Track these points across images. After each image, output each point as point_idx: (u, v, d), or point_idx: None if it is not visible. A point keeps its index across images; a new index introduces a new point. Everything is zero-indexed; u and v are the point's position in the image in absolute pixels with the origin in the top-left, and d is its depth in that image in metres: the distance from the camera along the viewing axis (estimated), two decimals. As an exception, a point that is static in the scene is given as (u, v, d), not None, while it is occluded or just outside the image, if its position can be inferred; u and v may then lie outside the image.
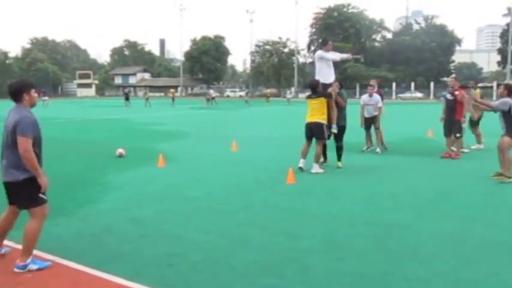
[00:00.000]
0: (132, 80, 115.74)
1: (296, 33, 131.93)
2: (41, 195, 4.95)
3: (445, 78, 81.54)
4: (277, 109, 44.54)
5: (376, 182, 9.59)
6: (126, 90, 55.63)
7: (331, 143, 11.32)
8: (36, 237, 5.00)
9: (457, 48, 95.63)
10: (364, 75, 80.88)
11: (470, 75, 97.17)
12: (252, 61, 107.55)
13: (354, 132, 11.93)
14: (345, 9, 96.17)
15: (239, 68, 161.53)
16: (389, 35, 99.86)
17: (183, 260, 5.25)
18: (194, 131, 20.90)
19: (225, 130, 21.54)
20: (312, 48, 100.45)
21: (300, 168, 10.55)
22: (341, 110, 11.16)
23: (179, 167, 11.49)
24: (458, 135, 12.61)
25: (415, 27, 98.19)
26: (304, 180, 9.63)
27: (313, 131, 10.70)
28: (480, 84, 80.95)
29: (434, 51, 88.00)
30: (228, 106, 49.22)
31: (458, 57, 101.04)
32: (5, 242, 5.84)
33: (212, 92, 58.87)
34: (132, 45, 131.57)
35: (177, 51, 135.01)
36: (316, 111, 10.65)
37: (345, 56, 11.92)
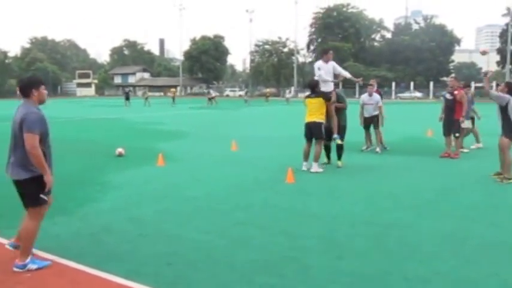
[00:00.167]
0: (131, 80, 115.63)
1: (295, 33, 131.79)
2: (41, 195, 4.93)
3: (445, 78, 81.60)
4: (277, 109, 44.52)
5: (376, 182, 9.59)
6: (127, 89, 55.79)
7: (332, 143, 11.37)
8: (34, 236, 5.00)
9: (457, 48, 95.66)
10: (364, 75, 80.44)
11: (470, 75, 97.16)
12: (252, 61, 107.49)
13: (354, 131, 11.93)
14: (344, 9, 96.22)
15: (239, 67, 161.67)
16: (388, 35, 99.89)
17: (182, 259, 5.24)
18: (194, 131, 20.89)
19: (225, 130, 21.53)
20: (312, 47, 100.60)
21: (303, 171, 10.54)
22: (342, 110, 11.18)
23: (179, 166, 11.49)
24: (457, 134, 12.61)
25: (415, 27, 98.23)
26: (304, 179, 9.63)
27: (312, 131, 10.71)
28: (480, 84, 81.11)
29: (434, 51, 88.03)
30: (227, 106, 49.21)
31: (457, 57, 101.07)
32: (1, 240, 5.86)
33: (212, 92, 58.84)
34: (131, 45, 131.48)
35: (177, 50, 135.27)
36: (314, 111, 10.65)
37: (343, 72, 11.65)
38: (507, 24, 79.22)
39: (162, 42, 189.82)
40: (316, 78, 11.17)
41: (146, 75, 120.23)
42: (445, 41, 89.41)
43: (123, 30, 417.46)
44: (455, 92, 12.62)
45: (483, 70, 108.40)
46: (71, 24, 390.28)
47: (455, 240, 5.88)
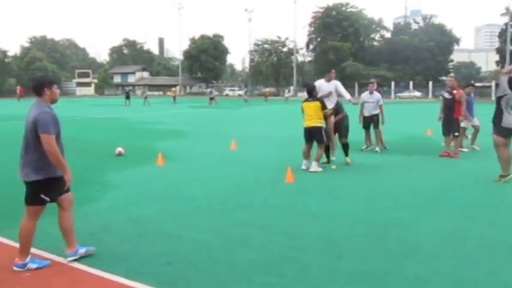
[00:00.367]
0: (131, 79, 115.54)
1: (295, 32, 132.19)
2: (43, 195, 4.93)
3: (444, 78, 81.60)
4: (276, 108, 44.51)
5: (376, 181, 9.60)
6: (127, 89, 55.81)
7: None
8: (31, 235, 5.02)
9: (456, 47, 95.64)
10: (363, 74, 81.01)
11: (469, 74, 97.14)
12: (251, 60, 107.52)
13: (353, 131, 11.94)
14: (343, 9, 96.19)
15: (238, 67, 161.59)
16: (387, 34, 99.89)
17: (182, 258, 5.25)
18: (193, 130, 20.89)
19: (224, 129, 21.54)
20: (311, 47, 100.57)
21: (303, 170, 10.58)
22: (342, 115, 11.30)
23: (178, 166, 11.49)
24: (456, 134, 12.62)
25: (414, 26, 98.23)
26: (303, 179, 9.64)
27: (312, 135, 10.76)
28: (479, 84, 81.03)
29: (433, 51, 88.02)
30: (227, 105, 49.19)
31: (456, 57, 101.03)
32: (3, 240, 5.87)
33: (211, 92, 58.82)
34: (131, 44, 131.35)
35: (176, 50, 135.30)
36: (313, 115, 10.67)
37: (344, 94, 11.45)
38: (506, 24, 79.28)
39: (161, 42, 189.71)
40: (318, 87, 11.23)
41: (146, 74, 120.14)
42: (444, 40, 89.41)
43: (122, 30, 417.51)
44: (454, 92, 12.63)
45: (482, 70, 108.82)
46: (70, 23, 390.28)
47: (455, 240, 5.88)
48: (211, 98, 50.99)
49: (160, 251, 5.47)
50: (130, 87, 67.04)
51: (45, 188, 4.92)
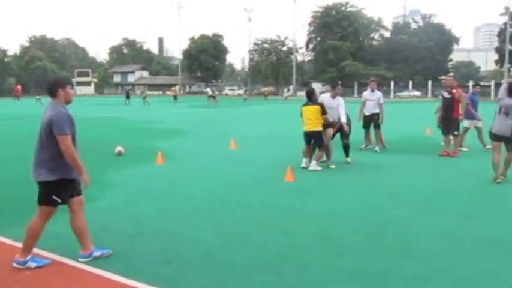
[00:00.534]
0: (130, 78, 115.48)
1: (294, 32, 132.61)
2: (54, 196, 4.93)
3: (443, 77, 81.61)
4: (275, 107, 44.52)
5: (375, 180, 9.62)
6: (127, 88, 55.88)
7: (336, 142, 11.44)
8: (38, 235, 5.02)
9: (455, 47, 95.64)
10: (362, 74, 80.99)
11: (468, 73, 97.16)
12: (251, 59, 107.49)
13: (353, 130, 11.94)
14: (343, 8, 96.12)
15: (237, 66, 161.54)
16: (387, 34, 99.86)
17: (181, 257, 5.26)
18: (193, 129, 20.90)
19: (224, 128, 21.55)
20: (310, 46, 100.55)
21: (303, 168, 10.62)
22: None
23: (178, 165, 11.51)
24: (456, 133, 12.63)
25: (413, 26, 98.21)
26: (303, 178, 9.66)
27: (311, 139, 10.79)
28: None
29: (432, 50, 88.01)
30: (226, 104, 49.18)
31: (455, 56, 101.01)
32: (2, 239, 5.87)
33: (210, 91, 58.77)
34: (130, 44, 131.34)
35: (176, 49, 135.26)
36: (312, 119, 10.70)
37: (341, 116, 11.25)
38: (505, 23, 79.27)
39: (161, 41, 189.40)
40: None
41: (145, 73, 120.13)
42: (444, 40, 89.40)
43: (122, 29, 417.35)
44: (454, 91, 12.66)
45: (482, 69, 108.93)
46: (70, 22, 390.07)
47: (453, 238, 5.90)
48: (213, 97, 51.08)
49: (160, 250, 5.48)
50: (131, 87, 67.07)
51: (57, 189, 4.92)
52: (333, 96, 11.43)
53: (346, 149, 11.53)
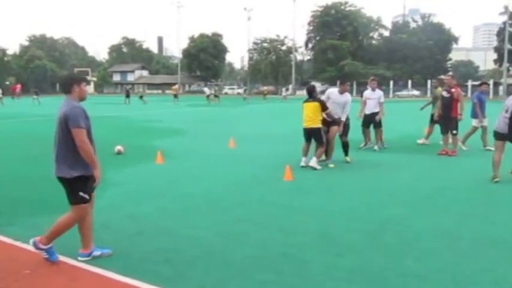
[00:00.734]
0: (130, 78, 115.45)
1: (294, 31, 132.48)
2: (82, 193, 4.92)
3: (442, 76, 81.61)
4: (274, 106, 44.54)
5: (373, 179, 9.64)
6: (127, 87, 56.03)
7: (336, 141, 11.50)
8: (64, 231, 5.03)
9: (454, 46, 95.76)
10: (362, 73, 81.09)
11: (467, 73, 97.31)
12: (250, 58, 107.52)
13: (352, 129, 11.95)
14: (342, 7, 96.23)
15: (237, 65, 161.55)
16: (386, 33, 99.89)
17: (180, 256, 5.27)
18: (192, 128, 20.91)
19: (223, 127, 21.55)
20: (310, 45, 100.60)
21: (302, 167, 10.64)
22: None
23: (177, 164, 11.53)
24: (455, 132, 12.65)
25: (412, 25, 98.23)
26: (302, 177, 9.67)
27: (311, 136, 10.81)
28: (477, 83, 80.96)
29: (431, 49, 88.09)
30: (226, 103, 49.16)
31: (455, 55, 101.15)
32: (2, 238, 5.88)
33: (207, 90, 58.93)
34: (130, 43, 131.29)
35: (175, 48, 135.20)
36: (311, 116, 10.71)
37: (345, 112, 11.36)
38: (504, 23, 79.29)
39: (160, 40, 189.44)
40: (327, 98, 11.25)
41: (145, 73, 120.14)
42: (443, 39, 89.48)
43: (121, 28, 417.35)
44: (453, 90, 12.68)
45: (481, 68, 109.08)
46: (69, 22, 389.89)
47: (451, 237, 5.92)
48: (216, 96, 51.31)
49: (159, 249, 5.49)
50: (130, 86, 67.08)
51: (81, 185, 4.90)
52: (341, 92, 11.41)
53: (345, 147, 11.56)
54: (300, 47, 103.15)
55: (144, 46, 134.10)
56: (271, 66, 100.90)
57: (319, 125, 10.73)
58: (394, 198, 7.97)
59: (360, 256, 5.27)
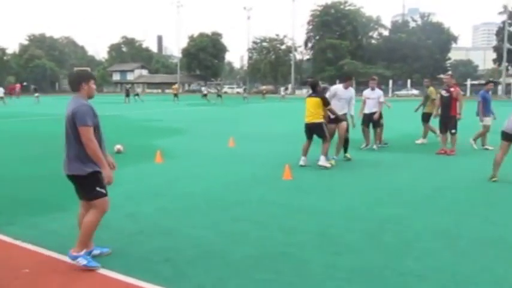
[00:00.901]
0: (130, 77, 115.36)
1: (293, 30, 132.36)
2: (98, 188, 4.89)
3: (441, 76, 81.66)
4: (273, 106, 44.56)
5: (373, 178, 9.64)
6: (127, 86, 56.06)
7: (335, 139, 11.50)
8: (92, 230, 4.97)
9: (453, 45, 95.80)
10: (361, 72, 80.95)
11: (466, 72, 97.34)
12: (249, 58, 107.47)
13: (352, 129, 11.97)
14: (341, 7, 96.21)
15: (236, 64, 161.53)
16: (386, 33, 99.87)
17: (180, 255, 5.28)
18: (192, 127, 20.90)
19: (223, 126, 21.55)
20: (309, 45, 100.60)
21: (301, 166, 10.65)
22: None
23: (176, 163, 11.53)
24: (453, 131, 12.66)
25: (412, 24, 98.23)
26: (301, 176, 9.67)
27: (313, 132, 10.79)
28: (476, 82, 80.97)
29: (431, 49, 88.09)
30: (225, 102, 49.09)
31: (454, 55, 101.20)
32: (2, 237, 5.88)
33: (204, 89, 59.07)
34: (129, 42, 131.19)
35: (175, 48, 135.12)
36: (313, 112, 10.68)
37: (351, 108, 11.69)
38: (503, 22, 79.35)
39: (160, 40, 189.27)
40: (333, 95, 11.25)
41: (144, 72, 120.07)
42: (442, 38, 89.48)
43: (121, 28, 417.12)
44: (452, 89, 12.69)
45: (480, 68, 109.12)
46: (69, 21, 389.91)
47: (450, 236, 5.93)
48: (218, 95, 51.49)
49: (159, 248, 5.50)
50: (130, 85, 67.05)
51: (97, 180, 4.87)
52: (346, 87, 11.41)
53: (345, 144, 11.63)
54: (300, 47, 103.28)
55: (144, 45, 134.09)
56: (270, 66, 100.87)
57: (321, 120, 10.70)
58: (393, 198, 7.98)
59: (360, 255, 5.28)
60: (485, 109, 13.64)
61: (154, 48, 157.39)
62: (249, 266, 4.97)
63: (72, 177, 4.96)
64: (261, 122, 25.52)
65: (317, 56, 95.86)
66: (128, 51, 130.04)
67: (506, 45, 74.83)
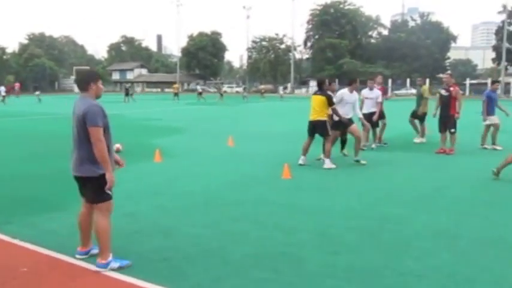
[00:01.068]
0: (129, 76, 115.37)
1: (293, 30, 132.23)
2: (107, 190, 4.83)
3: (441, 75, 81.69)
4: (272, 105, 44.55)
5: (372, 178, 9.64)
6: (127, 85, 56.08)
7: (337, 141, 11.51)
8: (108, 233, 4.89)
9: (453, 45, 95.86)
10: (360, 72, 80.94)
11: (466, 71, 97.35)
12: (249, 57, 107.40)
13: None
14: (341, 6, 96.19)
15: (236, 64, 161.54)
16: (385, 32, 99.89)
17: (178, 254, 5.27)
18: (191, 127, 20.90)
19: (222, 125, 21.55)
20: (309, 44, 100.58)
21: (300, 165, 10.64)
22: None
23: (176, 162, 11.52)
24: (453, 130, 12.66)
25: (411, 24, 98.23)
26: (300, 175, 9.67)
27: (316, 130, 10.78)
28: (475, 81, 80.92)
29: (430, 48, 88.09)
30: (225, 101, 49.10)
31: (453, 54, 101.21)
32: (0, 236, 5.87)
33: (199, 88, 59.16)
34: (129, 41, 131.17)
35: (174, 47, 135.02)
36: (317, 109, 10.67)
37: (357, 111, 11.59)
38: (503, 22, 79.34)
39: (159, 39, 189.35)
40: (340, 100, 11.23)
41: (144, 71, 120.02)
42: (441, 38, 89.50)
43: (120, 27, 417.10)
44: (451, 88, 12.70)
45: (479, 67, 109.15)
46: (69, 20, 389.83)
47: (450, 236, 5.92)
48: (221, 95, 51.71)
49: (158, 247, 5.49)
50: (130, 84, 67.10)
51: (101, 182, 4.80)
52: (351, 91, 11.43)
53: (343, 143, 11.80)
54: (299, 46, 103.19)
55: (143, 44, 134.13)
56: (270, 65, 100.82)
57: (324, 118, 10.69)
58: (393, 197, 7.97)
59: (359, 255, 5.27)
60: (489, 108, 13.62)
61: (153, 47, 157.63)
62: (248, 265, 4.96)
63: (82, 179, 4.90)
64: (260, 121, 25.51)
65: (316, 55, 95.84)
66: (127, 51, 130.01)
67: (506, 45, 74.80)
